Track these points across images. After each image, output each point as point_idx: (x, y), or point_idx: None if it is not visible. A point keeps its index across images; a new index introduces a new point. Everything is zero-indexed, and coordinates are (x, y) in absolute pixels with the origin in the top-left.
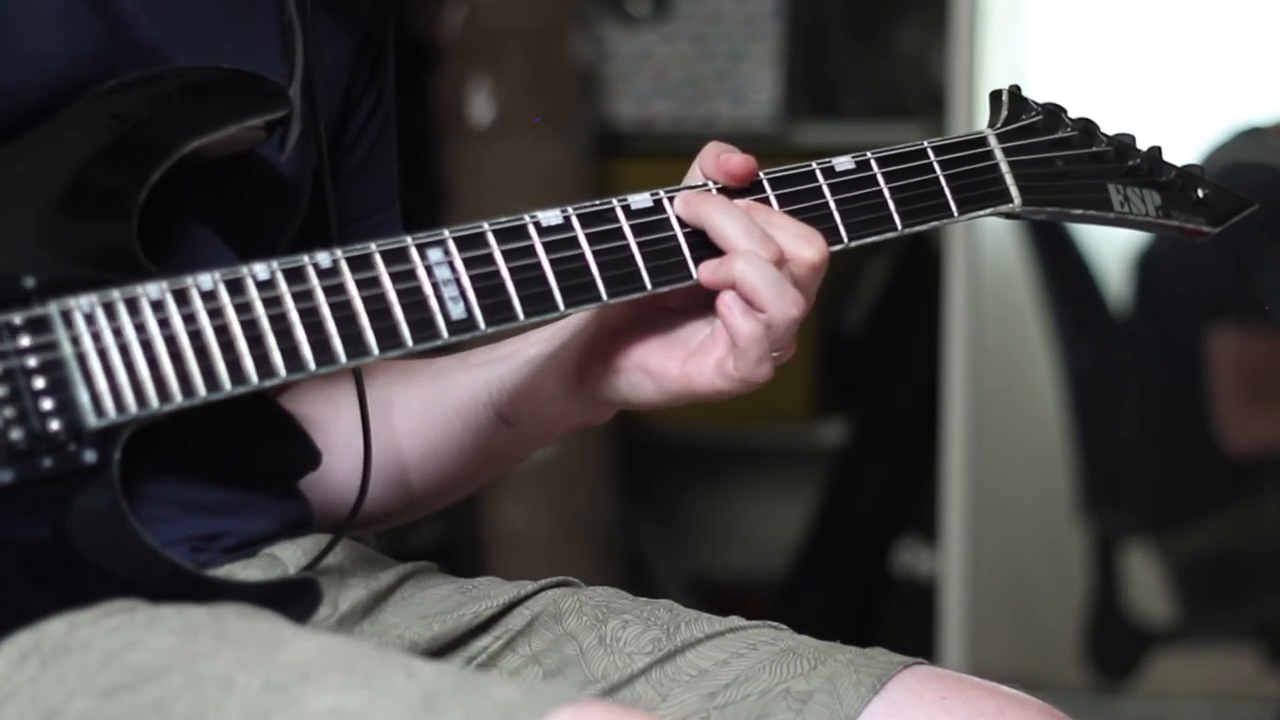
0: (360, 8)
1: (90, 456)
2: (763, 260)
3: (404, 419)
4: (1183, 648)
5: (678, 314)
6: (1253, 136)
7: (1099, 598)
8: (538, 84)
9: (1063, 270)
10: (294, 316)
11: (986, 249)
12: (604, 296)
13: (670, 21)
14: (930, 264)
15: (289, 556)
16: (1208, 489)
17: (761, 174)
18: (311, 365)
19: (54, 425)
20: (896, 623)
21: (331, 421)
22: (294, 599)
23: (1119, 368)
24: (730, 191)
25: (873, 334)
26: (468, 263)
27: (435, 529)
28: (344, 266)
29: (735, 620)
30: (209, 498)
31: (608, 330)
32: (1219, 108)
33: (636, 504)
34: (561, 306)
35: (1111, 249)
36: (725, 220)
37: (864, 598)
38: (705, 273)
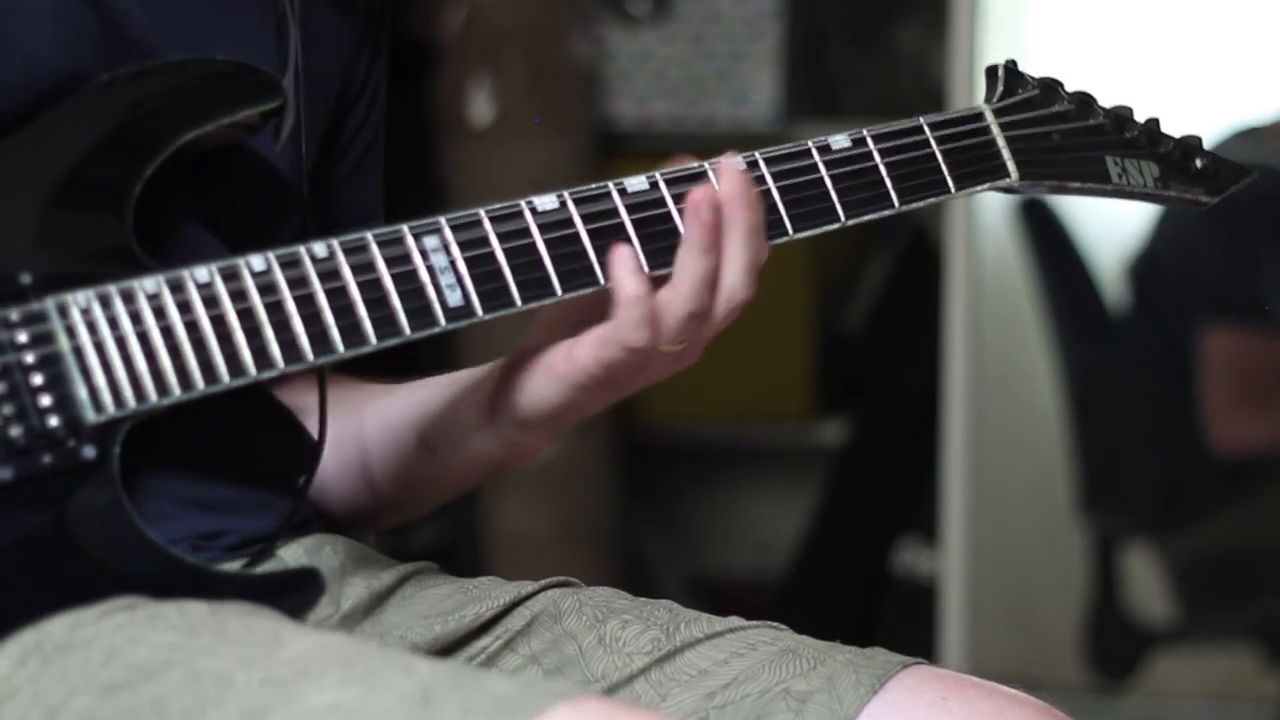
0: (357, 5)
1: (90, 452)
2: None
3: (371, 430)
4: (1183, 648)
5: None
6: (1250, 136)
7: (1099, 598)
8: (538, 84)
9: (1062, 271)
10: (291, 307)
11: (986, 249)
12: (600, 280)
13: (670, 21)
14: (930, 264)
15: (290, 555)
16: (1207, 489)
17: (757, 153)
18: (309, 356)
19: (53, 421)
20: (896, 623)
21: (312, 411)
22: (296, 591)
23: (1118, 368)
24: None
25: (873, 334)
26: (464, 248)
27: (435, 529)
28: (340, 255)
29: (735, 620)
30: (211, 495)
31: (527, 354)
32: (1216, 108)
33: (636, 504)
34: (559, 291)
35: (1111, 249)
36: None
37: (864, 598)
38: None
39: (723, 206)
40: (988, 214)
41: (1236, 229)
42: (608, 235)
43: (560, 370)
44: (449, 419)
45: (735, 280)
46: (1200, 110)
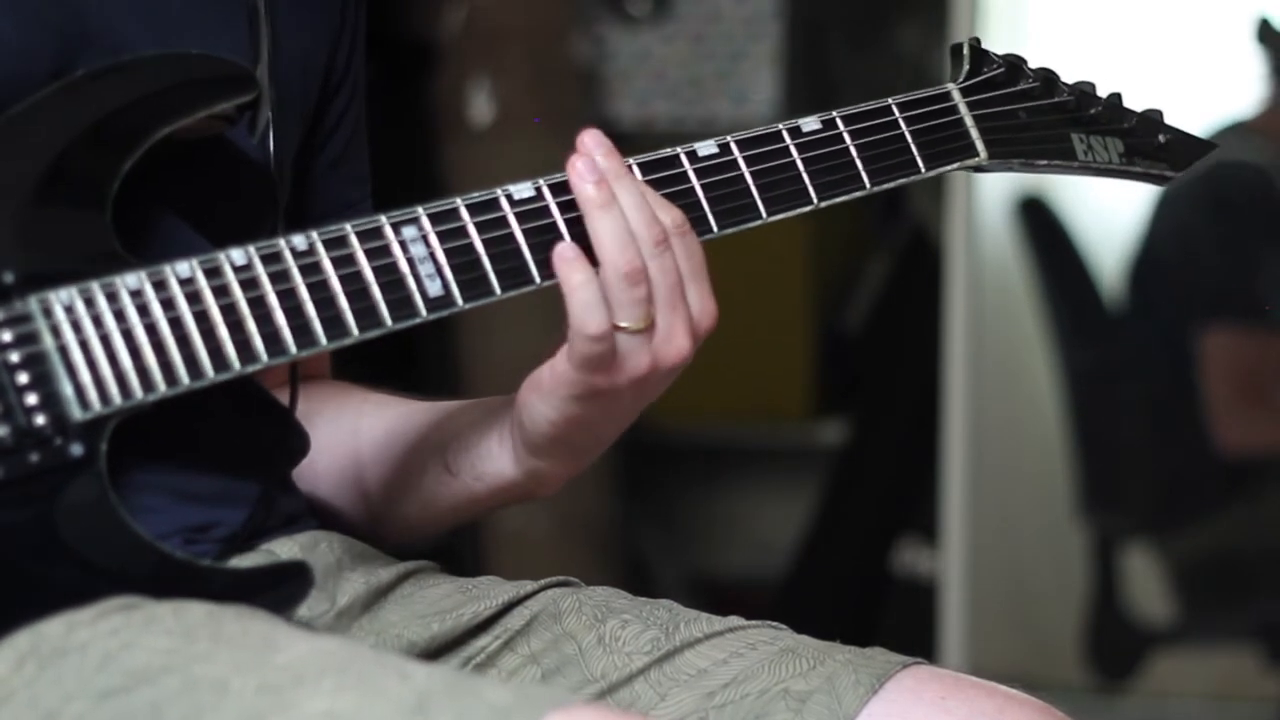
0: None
1: (77, 449)
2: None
3: (369, 440)
4: (1183, 648)
5: None
6: (1238, 132)
7: (1099, 598)
8: (538, 84)
9: (1061, 271)
10: (273, 300)
11: (986, 249)
12: None
13: (670, 21)
14: (930, 264)
15: (284, 551)
16: (1207, 489)
17: (729, 137)
18: (293, 348)
19: (39, 420)
20: (896, 623)
21: (306, 416)
22: (284, 585)
23: (1118, 368)
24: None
25: (873, 334)
26: (442, 238)
27: None
28: (320, 248)
29: (734, 620)
30: (201, 488)
31: (531, 378)
32: (1214, 106)
33: (636, 504)
34: (538, 279)
35: (1111, 249)
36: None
37: (864, 598)
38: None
39: (598, 164)
40: (988, 214)
41: (1236, 228)
42: (583, 222)
43: (547, 384)
44: (470, 444)
45: (642, 226)
46: (1197, 107)
